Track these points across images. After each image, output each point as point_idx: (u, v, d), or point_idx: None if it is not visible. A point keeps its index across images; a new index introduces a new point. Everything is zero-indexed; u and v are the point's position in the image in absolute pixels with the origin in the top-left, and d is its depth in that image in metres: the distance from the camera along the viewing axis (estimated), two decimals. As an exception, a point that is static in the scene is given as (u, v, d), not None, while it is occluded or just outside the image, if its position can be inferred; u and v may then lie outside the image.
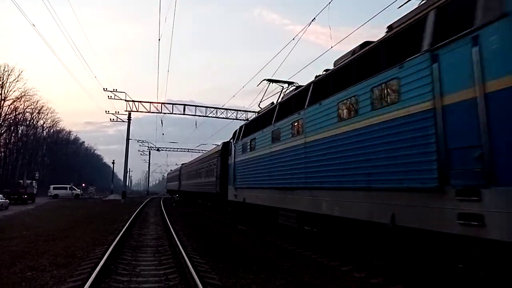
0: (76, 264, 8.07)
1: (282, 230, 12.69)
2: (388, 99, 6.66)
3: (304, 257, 9.42)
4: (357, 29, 13.56)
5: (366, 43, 8.19)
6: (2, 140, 59.46)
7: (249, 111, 41.38)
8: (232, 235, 13.80)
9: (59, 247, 10.08)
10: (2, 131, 57.89)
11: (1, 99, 55.20)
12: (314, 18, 14.11)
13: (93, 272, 6.66)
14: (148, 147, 75.02)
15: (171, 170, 67.99)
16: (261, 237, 13.14)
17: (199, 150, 60.28)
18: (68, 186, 54.53)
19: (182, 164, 46.43)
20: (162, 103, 40.02)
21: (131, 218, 17.71)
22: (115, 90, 39.03)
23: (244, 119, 41.15)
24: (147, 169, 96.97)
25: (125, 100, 39.49)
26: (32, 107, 65.63)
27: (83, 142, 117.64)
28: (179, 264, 8.05)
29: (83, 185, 66.39)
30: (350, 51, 8.87)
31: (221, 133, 49.70)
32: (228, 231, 15.20)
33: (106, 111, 42.24)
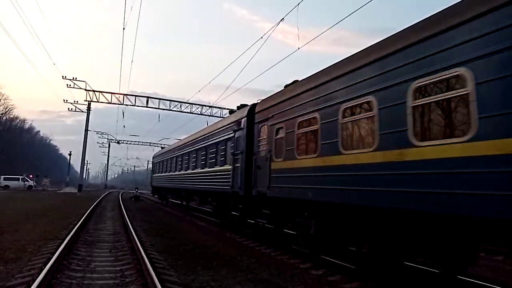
0: (26, 259, 7.67)
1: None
2: None
3: (264, 254, 9.48)
4: (326, 31, 13.79)
5: None
6: None
7: (215, 107, 41.16)
8: (192, 231, 13.68)
9: (8, 241, 9.55)
10: None
11: None
12: (283, 19, 14.22)
13: (45, 267, 6.36)
14: (107, 139, 72.83)
15: (161, 148, 37.82)
16: (222, 234, 13.10)
17: (160, 144, 59.04)
18: (20, 177, 51.98)
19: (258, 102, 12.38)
20: (124, 95, 39.02)
21: (87, 212, 17.12)
22: (74, 79, 37.61)
23: (209, 114, 40.86)
24: (106, 162, 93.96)
25: (85, 90, 38.16)
26: (-17, 92, 61.90)
27: (38, 131, 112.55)
28: (136, 260, 7.86)
29: (36, 176, 63.39)
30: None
31: (185, 128, 48.76)
32: (188, 227, 15.05)
33: (64, 100, 40.71)
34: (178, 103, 40.94)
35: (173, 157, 24.70)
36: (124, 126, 58.98)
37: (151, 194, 38.57)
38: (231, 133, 13.38)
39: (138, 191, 41.42)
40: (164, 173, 27.59)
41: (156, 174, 32.24)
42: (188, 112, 40.83)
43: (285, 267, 8.11)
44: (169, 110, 40.59)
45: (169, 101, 40.87)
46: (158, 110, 40.52)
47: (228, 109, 41.22)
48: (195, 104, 41.29)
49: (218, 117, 38.63)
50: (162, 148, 34.17)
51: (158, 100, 40.45)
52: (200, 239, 11.61)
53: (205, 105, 41.30)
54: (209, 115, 40.77)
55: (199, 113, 41.21)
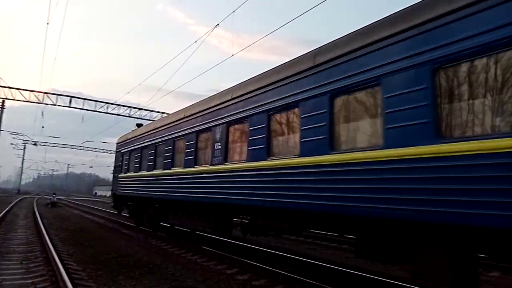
0: None
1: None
2: None
3: (190, 261, 9.36)
4: (260, 39, 14.10)
5: None
6: None
7: (145, 109, 39.84)
8: (115, 239, 13.08)
9: None
10: None
11: None
12: (218, 24, 14.29)
13: None
14: (23, 140, 66.82)
15: (137, 125, 16.99)
16: (147, 242, 12.68)
17: (83, 147, 55.78)
18: None
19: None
20: (44, 93, 36.21)
21: (-4, 220, 15.59)
22: (-15, 73, 34.20)
23: (138, 117, 39.43)
24: (21, 165, 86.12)
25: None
26: None
27: None
28: (51, 271, 7.32)
29: None
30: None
31: (111, 130, 46.51)
32: (110, 235, 14.36)
33: (-27, 96, 36.73)
34: (104, 104, 38.99)
35: (203, 129, 9.82)
36: (43, 127, 54.62)
37: (116, 210, 20.13)
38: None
39: (56, 197, 38.65)
40: (160, 169, 12.26)
41: (129, 174, 15.68)
42: (115, 114, 39.03)
43: (211, 273, 8.07)
44: (94, 111, 38.45)
45: (94, 102, 38.77)
46: (82, 110, 38.23)
47: (159, 112, 40.19)
48: (123, 105, 39.61)
49: (148, 119, 37.43)
50: (137, 126, 17.39)
51: (82, 100, 38.16)
52: (123, 247, 11.13)
53: (133, 107, 39.75)
54: (137, 118, 39.32)
55: (127, 115, 39.60)
